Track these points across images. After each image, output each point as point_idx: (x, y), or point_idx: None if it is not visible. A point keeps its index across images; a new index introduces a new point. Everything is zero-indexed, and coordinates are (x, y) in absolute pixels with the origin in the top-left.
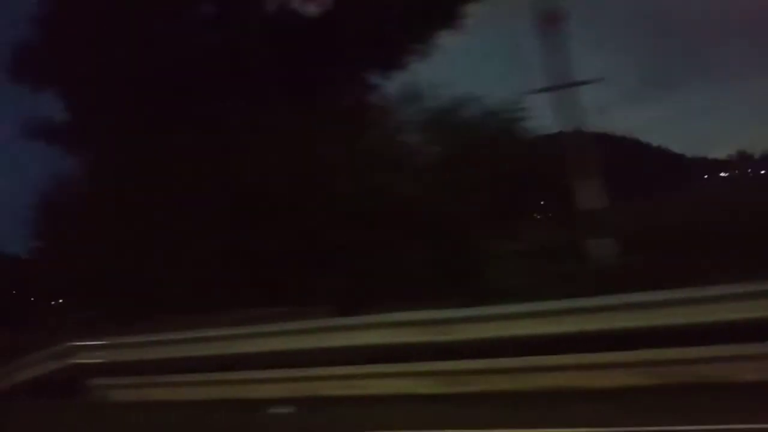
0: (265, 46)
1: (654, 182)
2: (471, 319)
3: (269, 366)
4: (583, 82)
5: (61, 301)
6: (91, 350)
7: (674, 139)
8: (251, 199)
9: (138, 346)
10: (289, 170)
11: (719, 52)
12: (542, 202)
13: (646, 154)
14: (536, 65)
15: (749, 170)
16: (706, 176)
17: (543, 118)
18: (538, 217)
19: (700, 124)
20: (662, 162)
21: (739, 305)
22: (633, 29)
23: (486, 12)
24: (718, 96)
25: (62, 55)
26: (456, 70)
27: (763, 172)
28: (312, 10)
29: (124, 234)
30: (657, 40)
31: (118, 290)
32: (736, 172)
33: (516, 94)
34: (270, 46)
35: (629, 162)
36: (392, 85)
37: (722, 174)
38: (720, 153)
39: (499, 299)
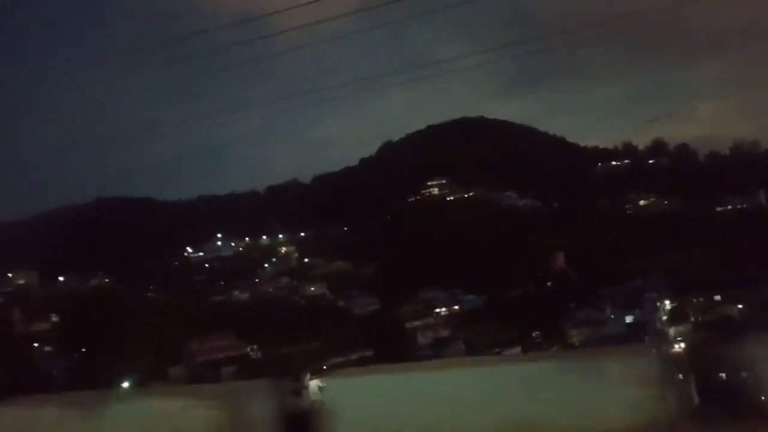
0: None
1: (555, 168)
2: None
3: None
4: None
5: None
6: None
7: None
8: None
9: None
10: None
11: (587, 53)
12: None
13: (544, 142)
14: None
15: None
16: (599, 164)
17: None
18: None
19: (578, 116)
20: (561, 150)
21: None
22: (507, 29)
23: None
24: (587, 92)
25: None
26: None
27: (651, 161)
28: None
29: None
30: (529, 40)
31: None
32: (626, 162)
33: None
34: None
35: (532, 149)
36: None
37: (613, 162)
38: (607, 144)
39: None
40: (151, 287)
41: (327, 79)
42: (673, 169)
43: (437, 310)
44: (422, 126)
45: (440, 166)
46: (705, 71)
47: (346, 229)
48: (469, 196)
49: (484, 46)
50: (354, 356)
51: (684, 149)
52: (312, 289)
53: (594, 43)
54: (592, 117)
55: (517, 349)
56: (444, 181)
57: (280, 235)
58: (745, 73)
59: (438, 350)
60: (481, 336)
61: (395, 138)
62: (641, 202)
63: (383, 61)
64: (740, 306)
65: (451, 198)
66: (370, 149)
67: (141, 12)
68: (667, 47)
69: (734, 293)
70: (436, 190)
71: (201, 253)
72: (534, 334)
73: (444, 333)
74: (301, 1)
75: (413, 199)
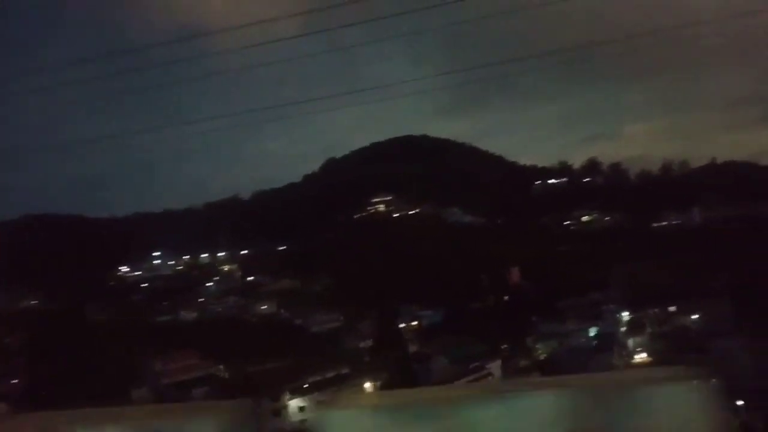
0: None
1: (496, 186)
2: None
3: None
4: None
5: None
6: None
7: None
8: None
9: None
10: None
11: (524, 76)
12: None
13: (485, 161)
14: None
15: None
16: (538, 182)
17: None
18: None
19: (515, 135)
20: (501, 168)
21: None
22: (448, 50)
23: None
24: (524, 113)
25: None
26: None
27: (586, 180)
28: None
29: None
30: (468, 62)
31: None
32: (564, 179)
33: None
34: None
35: (473, 167)
36: None
37: (551, 181)
38: (544, 162)
39: None
40: (86, 307)
41: (271, 96)
42: (607, 187)
43: (400, 325)
44: (366, 143)
45: (385, 183)
46: (634, 95)
47: (290, 246)
48: (415, 213)
49: (427, 68)
50: (330, 374)
51: (617, 168)
52: (264, 307)
53: (530, 66)
54: (529, 136)
55: (497, 362)
56: (390, 198)
57: (221, 253)
58: (669, 98)
59: (423, 365)
60: (454, 350)
61: (339, 155)
62: (584, 218)
63: (328, 80)
64: (695, 317)
65: (398, 215)
66: (314, 166)
67: (82, 22)
68: (599, 71)
69: (688, 304)
70: (382, 207)
71: (138, 272)
72: (503, 347)
73: (413, 348)
74: (248, 21)
75: (359, 215)
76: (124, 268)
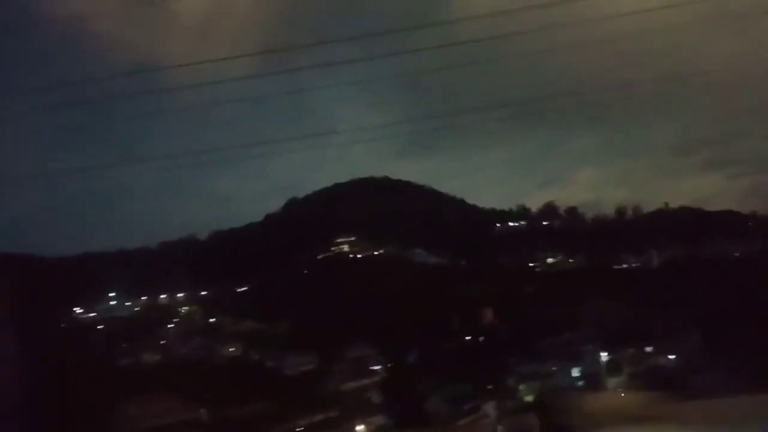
0: None
1: (457, 228)
2: None
3: None
4: None
5: None
6: None
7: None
8: None
9: None
10: None
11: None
12: None
13: (445, 203)
14: None
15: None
16: (498, 224)
17: None
18: None
19: (472, 178)
20: (461, 210)
21: None
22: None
23: None
24: (480, 157)
25: None
26: None
27: (545, 223)
28: None
29: None
30: (423, 107)
31: None
32: (523, 223)
33: None
34: None
35: (431, 209)
36: None
37: (510, 223)
38: (503, 205)
39: None
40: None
41: (227, 136)
42: (565, 230)
43: (374, 367)
44: (329, 183)
45: (348, 224)
46: (583, 142)
47: (251, 286)
48: (379, 254)
49: (383, 113)
50: (318, 417)
51: (573, 212)
52: (231, 349)
53: (483, 113)
54: (485, 180)
55: (492, 403)
56: (353, 239)
57: (180, 294)
58: (618, 144)
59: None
60: (444, 389)
61: (301, 195)
62: (548, 260)
63: (285, 121)
64: (672, 356)
65: (362, 255)
66: (275, 205)
67: (35, 56)
68: (549, 119)
69: (663, 343)
70: (346, 247)
71: (93, 314)
72: (488, 387)
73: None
74: (205, 59)
75: (322, 256)
76: (78, 310)
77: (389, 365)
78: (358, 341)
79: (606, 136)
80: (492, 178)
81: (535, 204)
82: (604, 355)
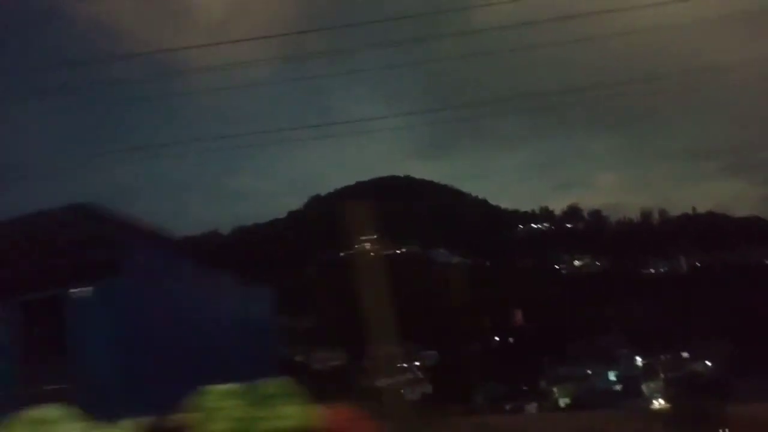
0: None
1: (480, 228)
2: None
3: None
4: None
5: None
6: None
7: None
8: None
9: None
10: None
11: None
12: None
13: (468, 203)
14: None
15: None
16: (521, 226)
17: None
18: None
19: (494, 179)
20: (484, 211)
21: None
22: (424, 93)
23: None
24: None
25: None
26: None
27: (569, 226)
28: None
29: None
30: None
31: None
32: (546, 225)
33: None
34: None
35: (452, 209)
36: None
37: (534, 225)
38: (525, 207)
39: None
40: None
41: (239, 127)
42: (590, 232)
43: (404, 365)
44: (351, 182)
45: (370, 222)
46: (603, 145)
47: (272, 282)
48: (402, 252)
49: (401, 108)
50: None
51: (597, 215)
52: None
53: (507, 112)
54: (504, 181)
55: (533, 404)
56: (375, 237)
57: None
58: (637, 149)
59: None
60: (487, 388)
61: (323, 192)
62: (576, 263)
63: (300, 115)
64: (708, 363)
65: (385, 253)
66: (297, 203)
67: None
68: (568, 121)
69: (698, 349)
70: (368, 246)
71: None
72: (524, 389)
73: (428, 388)
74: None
75: (345, 253)
76: None
77: (423, 362)
78: (383, 339)
79: (625, 139)
80: (512, 180)
81: (557, 206)
82: (639, 360)
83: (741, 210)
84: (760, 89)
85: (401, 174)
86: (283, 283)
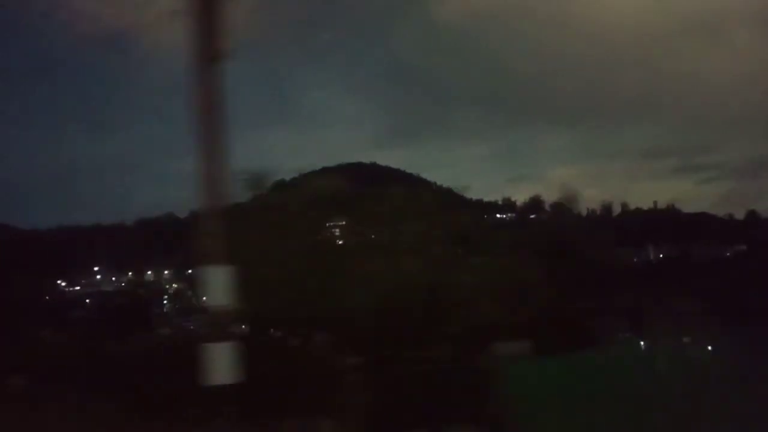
0: None
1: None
2: None
3: None
4: None
5: None
6: None
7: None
8: None
9: None
10: None
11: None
12: None
13: (433, 192)
14: None
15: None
16: (486, 216)
17: None
18: None
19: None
20: (451, 200)
21: None
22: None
23: None
24: (462, 148)
25: None
26: None
27: (532, 216)
28: None
29: None
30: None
31: None
32: (512, 215)
33: None
34: None
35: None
36: None
37: (498, 215)
38: (488, 198)
39: None
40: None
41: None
42: (556, 224)
43: None
44: (316, 167)
45: (337, 208)
46: (554, 140)
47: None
48: (372, 239)
49: (362, 97)
50: None
51: (560, 207)
52: (242, 327)
53: (467, 103)
54: (460, 173)
55: None
56: (344, 223)
57: (166, 271)
58: (589, 145)
59: None
60: None
61: (287, 177)
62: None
63: (258, 100)
64: (710, 348)
65: (355, 239)
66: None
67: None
68: (519, 115)
69: (700, 335)
70: (336, 232)
71: (77, 287)
72: None
73: None
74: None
75: (314, 239)
76: (62, 283)
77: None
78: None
79: (577, 135)
80: (464, 171)
81: (517, 198)
82: (641, 344)
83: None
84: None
85: (367, 161)
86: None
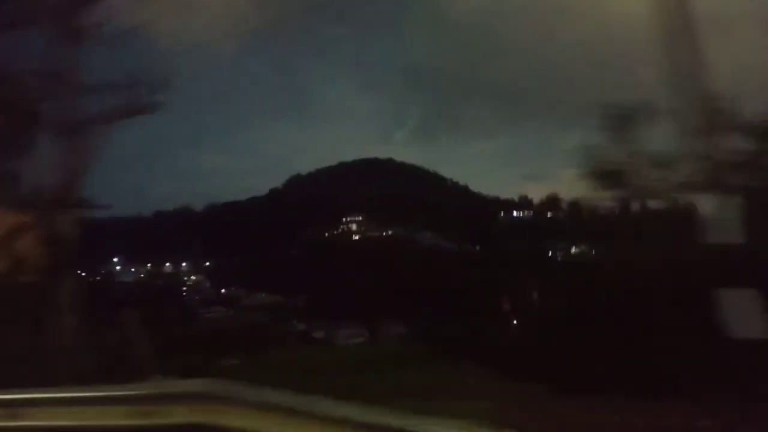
0: None
1: (464, 214)
2: None
3: None
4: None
5: None
6: None
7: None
8: None
9: None
10: None
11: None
12: None
13: (450, 189)
14: None
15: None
16: (502, 213)
17: None
18: None
19: (464, 168)
20: (467, 197)
21: None
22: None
23: None
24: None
25: None
26: None
27: (549, 214)
28: None
29: None
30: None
31: None
32: (526, 213)
33: None
34: None
35: (441, 194)
36: None
37: (515, 213)
38: (505, 195)
39: None
40: None
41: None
42: (574, 222)
43: None
44: (333, 162)
45: (353, 203)
46: (564, 141)
47: (253, 260)
48: (388, 235)
49: (375, 93)
50: None
51: (575, 206)
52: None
53: (481, 101)
54: (474, 170)
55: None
56: (361, 218)
57: (183, 263)
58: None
59: None
60: None
61: (303, 172)
62: (572, 250)
63: (272, 95)
64: None
65: (371, 234)
66: (277, 181)
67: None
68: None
69: None
70: (353, 226)
71: (97, 278)
72: None
73: None
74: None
75: (329, 233)
76: (81, 273)
77: None
78: (384, 317)
79: (594, 135)
80: (477, 169)
81: (534, 196)
82: None
83: None
84: None
85: (383, 157)
86: (269, 261)
